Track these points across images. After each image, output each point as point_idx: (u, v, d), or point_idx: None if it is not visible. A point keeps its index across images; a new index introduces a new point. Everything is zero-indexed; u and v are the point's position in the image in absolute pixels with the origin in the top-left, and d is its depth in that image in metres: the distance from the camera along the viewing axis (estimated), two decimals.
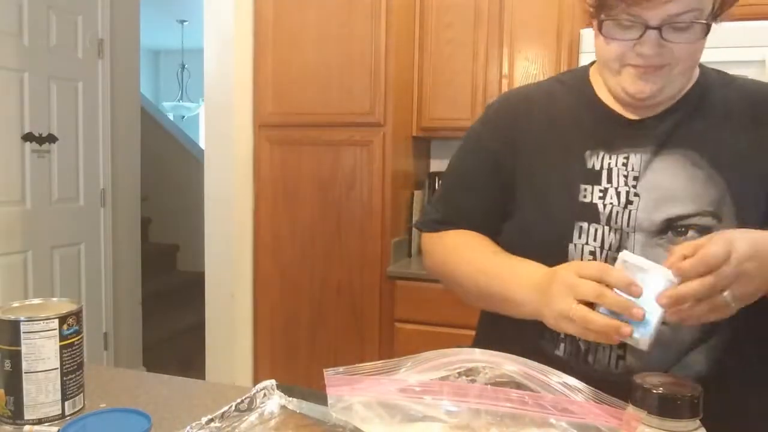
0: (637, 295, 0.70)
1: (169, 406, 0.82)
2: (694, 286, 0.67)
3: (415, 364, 0.61)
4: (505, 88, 2.37)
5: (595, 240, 0.86)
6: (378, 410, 0.59)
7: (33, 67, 2.62)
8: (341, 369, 0.62)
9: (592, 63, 0.97)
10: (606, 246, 0.86)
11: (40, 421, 0.77)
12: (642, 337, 0.71)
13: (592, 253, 0.86)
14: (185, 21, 6.01)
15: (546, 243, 0.88)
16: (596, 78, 0.95)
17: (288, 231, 2.42)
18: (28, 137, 2.61)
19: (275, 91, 2.41)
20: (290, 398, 0.80)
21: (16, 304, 0.82)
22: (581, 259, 0.87)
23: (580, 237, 0.87)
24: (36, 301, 0.83)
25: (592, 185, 0.88)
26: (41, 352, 0.76)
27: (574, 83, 0.98)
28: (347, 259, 2.34)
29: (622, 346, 0.83)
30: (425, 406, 0.58)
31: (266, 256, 2.46)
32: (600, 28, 0.83)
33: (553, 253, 0.86)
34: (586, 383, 0.71)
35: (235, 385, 0.92)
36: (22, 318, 0.76)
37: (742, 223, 0.81)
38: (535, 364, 0.61)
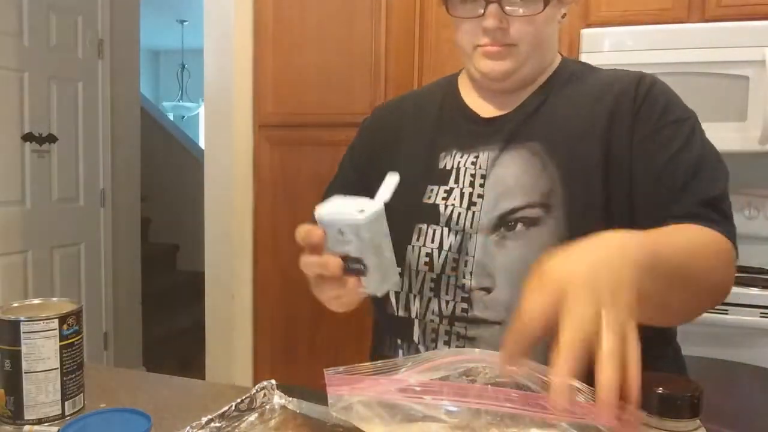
0: (316, 241, 0.67)
1: (169, 406, 0.82)
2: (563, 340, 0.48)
3: (415, 364, 0.61)
4: None
5: (432, 242, 0.86)
6: (378, 410, 0.59)
7: (33, 67, 2.62)
8: (341, 369, 0.62)
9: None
10: (445, 247, 0.85)
11: (40, 421, 0.77)
12: (369, 282, 0.68)
13: (429, 254, 0.86)
14: (185, 21, 6.01)
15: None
16: (463, 80, 0.96)
17: (288, 231, 2.41)
18: (28, 137, 2.61)
19: (275, 91, 2.41)
20: (290, 398, 0.80)
21: (16, 304, 0.82)
22: (417, 262, 0.87)
23: (418, 239, 0.87)
24: (36, 301, 0.83)
25: (439, 186, 0.88)
26: (41, 352, 0.76)
27: (443, 86, 0.99)
28: None
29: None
30: (425, 406, 0.58)
31: (266, 256, 2.46)
32: (447, 8, 0.85)
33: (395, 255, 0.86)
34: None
35: (235, 385, 0.92)
36: (22, 318, 0.76)
37: (571, 211, 0.80)
38: (536, 364, 0.61)
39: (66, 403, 0.79)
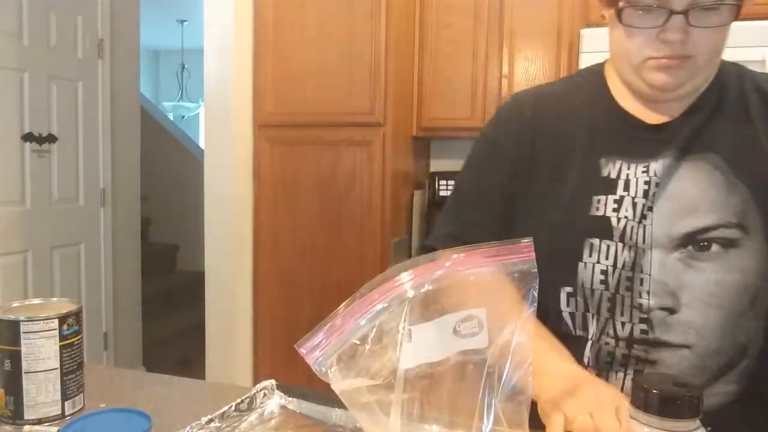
0: None
1: (169, 406, 0.82)
2: None
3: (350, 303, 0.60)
4: (505, 88, 2.37)
5: (607, 258, 0.80)
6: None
7: (33, 67, 2.62)
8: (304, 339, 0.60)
9: (605, 62, 0.91)
10: (619, 265, 0.79)
11: (40, 421, 0.77)
12: None
13: (604, 272, 0.80)
14: (185, 21, 6.01)
15: (554, 260, 0.79)
16: (611, 78, 0.88)
17: (288, 231, 2.42)
18: (28, 137, 2.61)
19: (275, 91, 2.41)
20: (290, 398, 0.80)
21: (16, 304, 0.82)
22: (592, 280, 0.80)
23: (590, 255, 0.81)
24: (36, 301, 0.83)
25: (606, 195, 0.81)
26: (41, 352, 0.76)
27: (589, 84, 0.90)
28: (347, 259, 2.34)
29: (639, 373, 0.78)
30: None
31: (266, 256, 2.46)
32: (620, 17, 0.77)
33: (563, 271, 0.81)
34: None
35: (235, 385, 0.92)
36: (22, 318, 0.76)
37: None
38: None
39: (66, 403, 0.79)
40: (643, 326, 0.78)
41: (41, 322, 0.76)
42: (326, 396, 0.79)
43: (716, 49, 0.77)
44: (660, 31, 0.74)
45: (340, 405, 0.77)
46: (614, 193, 0.81)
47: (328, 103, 2.34)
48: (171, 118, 6.45)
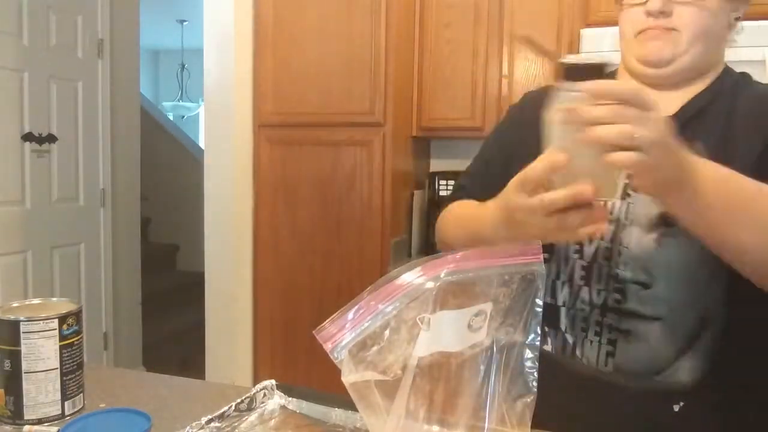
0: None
1: (169, 406, 0.82)
2: (601, 108, 0.59)
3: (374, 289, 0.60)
4: (505, 88, 2.37)
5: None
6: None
7: (33, 67, 2.62)
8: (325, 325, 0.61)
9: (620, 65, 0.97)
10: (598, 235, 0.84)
11: (39, 421, 0.77)
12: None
13: (579, 242, 0.86)
14: (185, 21, 6.01)
15: None
16: (622, 76, 0.95)
17: (288, 231, 2.42)
18: (28, 137, 2.61)
19: (275, 91, 2.41)
20: (290, 398, 0.80)
21: (16, 304, 0.82)
22: (567, 249, 0.87)
23: None
24: (36, 301, 0.83)
25: None
26: (41, 352, 0.76)
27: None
28: (347, 259, 2.34)
29: (612, 342, 0.82)
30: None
31: (266, 256, 2.46)
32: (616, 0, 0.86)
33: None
34: (576, 380, 0.68)
35: (235, 385, 0.92)
36: (22, 318, 0.76)
37: None
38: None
39: (66, 403, 0.79)
40: (618, 296, 0.83)
41: (41, 322, 0.76)
42: (326, 396, 0.79)
43: (701, 27, 0.83)
44: (645, 7, 0.83)
45: (340, 405, 0.77)
46: None
47: (328, 103, 2.34)
48: (171, 118, 6.45)
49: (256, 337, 2.49)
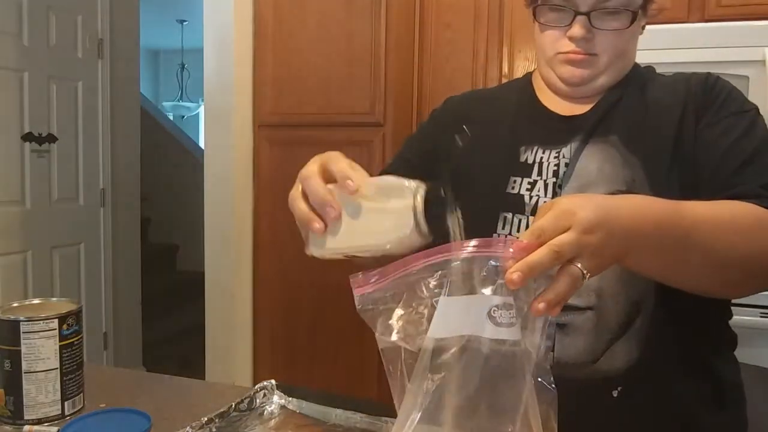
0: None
1: (169, 406, 0.82)
2: (532, 257, 0.57)
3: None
4: None
5: (518, 231, 0.88)
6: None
7: (33, 67, 2.62)
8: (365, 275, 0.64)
9: (535, 69, 1.02)
10: None
11: (39, 421, 0.77)
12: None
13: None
14: (185, 21, 6.01)
15: (472, 233, 0.84)
16: (537, 80, 0.99)
17: (288, 231, 2.42)
18: (27, 137, 2.61)
19: (275, 91, 2.41)
20: (290, 398, 0.80)
21: (16, 304, 0.82)
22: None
23: (503, 227, 0.89)
24: (36, 301, 0.83)
25: (522, 177, 0.90)
26: (41, 352, 0.76)
27: (518, 84, 1.03)
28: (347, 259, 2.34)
29: (549, 337, 0.82)
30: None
31: (266, 256, 2.46)
32: (535, 15, 0.90)
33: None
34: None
35: (235, 385, 0.92)
36: (22, 318, 0.76)
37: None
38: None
39: (66, 403, 0.79)
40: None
41: (41, 322, 0.76)
42: (326, 396, 0.79)
43: (620, 51, 0.87)
44: (567, 29, 0.86)
45: (340, 405, 0.77)
46: (529, 177, 0.90)
47: (328, 103, 2.34)
48: (171, 118, 6.45)
49: (256, 338, 2.49)
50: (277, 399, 0.80)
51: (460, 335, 0.56)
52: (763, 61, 1.79)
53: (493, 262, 0.57)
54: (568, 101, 0.94)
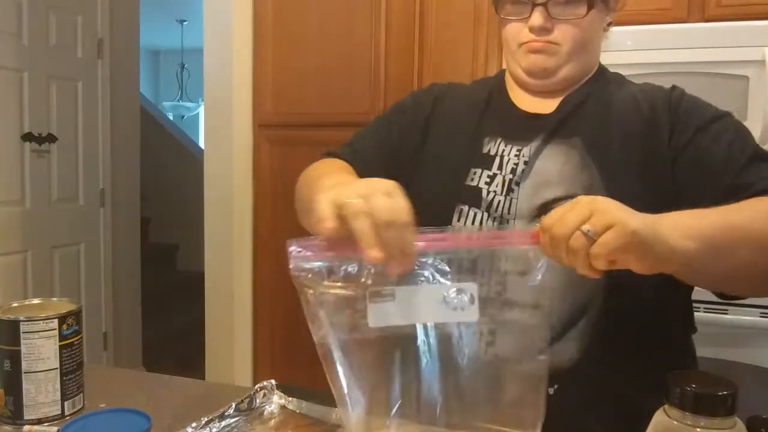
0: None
1: (169, 406, 0.82)
2: (548, 218, 0.66)
3: None
4: None
5: (473, 224, 0.89)
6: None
7: (33, 67, 2.62)
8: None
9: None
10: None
11: (39, 421, 0.77)
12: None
13: None
14: (185, 21, 6.01)
15: (427, 222, 0.82)
16: (509, 81, 1.01)
17: (288, 231, 2.41)
18: (27, 137, 2.61)
19: (275, 90, 2.41)
20: (290, 398, 0.80)
21: (15, 304, 0.82)
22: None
23: (459, 219, 0.91)
24: (36, 301, 0.83)
25: (482, 169, 0.92)
26: (41, 352, 0.76)
27: (492, 81, 1.05)
28: None
29: (492, 332, 0.84)
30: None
31: (266, 256, 2.46)
32: (496, 10, 0.93)
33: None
34: (453, 368, 0.72)
35: (235, 385, 0.92)
36: (21, 318, 0.76)
37: None
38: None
39: (66, 403, 0.79)
40: (499, 288, 0.84)
41: (41, 322, 0.76)
42: (326, 396, 0.79)
43: (580, 41, 0.90)
44: (527, 20, 0.89)
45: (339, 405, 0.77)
46: (489, 169, 0.92)
47: (327, 103, 2.34)
48: (171, 118, 6.45)
49: (256, 337, 2.49)
50: (277, 399, 0.80)
51: (413, 323, 0.60)
52: (763, 61, 1.79)
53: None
54: (535, 96, 0.96)
